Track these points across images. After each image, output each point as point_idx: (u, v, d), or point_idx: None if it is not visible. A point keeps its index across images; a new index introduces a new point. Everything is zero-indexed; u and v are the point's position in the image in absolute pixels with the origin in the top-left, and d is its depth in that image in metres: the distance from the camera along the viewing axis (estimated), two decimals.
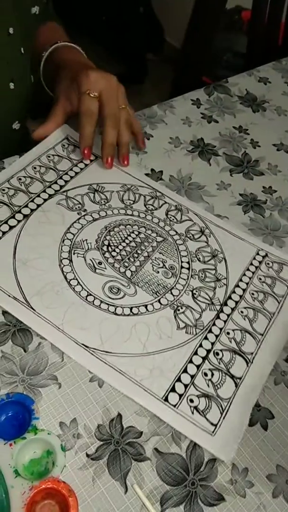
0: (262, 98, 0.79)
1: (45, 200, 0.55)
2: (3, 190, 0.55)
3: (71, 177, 0.58)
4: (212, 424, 0.41)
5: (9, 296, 0.46)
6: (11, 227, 0.52)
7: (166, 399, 0.42)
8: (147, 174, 0.62)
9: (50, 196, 0.56)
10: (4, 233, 0.51)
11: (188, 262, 0.53)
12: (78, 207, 0.55)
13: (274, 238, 0.59)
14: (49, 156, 0.60)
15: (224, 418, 0.42)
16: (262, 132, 0.72)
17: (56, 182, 0.57)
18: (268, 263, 0.55)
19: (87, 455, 0.38)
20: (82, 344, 0.44)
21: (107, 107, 0.56)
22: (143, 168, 0.63)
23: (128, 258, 0.51)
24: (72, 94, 0.58)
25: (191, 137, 0.69)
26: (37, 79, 0.66)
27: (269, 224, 0.60)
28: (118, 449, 0.39)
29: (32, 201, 0.55)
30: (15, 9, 0.58)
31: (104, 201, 0.57)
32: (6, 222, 0.52)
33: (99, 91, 0.55)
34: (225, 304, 0.50)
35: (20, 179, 0.57)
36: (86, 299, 0.47)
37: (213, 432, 0.41)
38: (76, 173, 0.59)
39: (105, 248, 0.52)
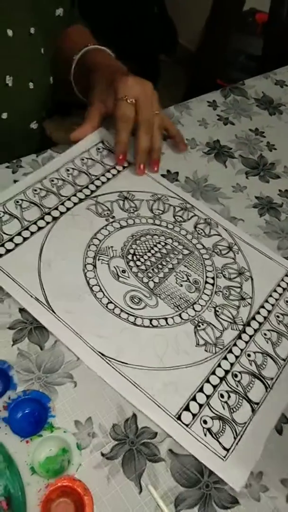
0: (279, 101, 0.79)
1: (75, 204, 0.55)
2: (35, 190, 0.55)
3: (103, 183, 0.58)
4: (224, 448, 0.40)
5: (31, 296, 0.46)
6: (39, 228, 0.52)
7: (179, 418, 0.41)
8: (163, 175, 0.62)
9: (81, 200, 0.56)
10: (32, 233, 0.51)
11: (213, 278, 0.52)
12: (107, 213, 0.55)
13: None
14: (83, 159, 0.60)
15: (237, 443, 0.40)
16: (278, 135, 0.72)
17: (87, 187, 0.57)
18: None
19: (102, 454, 0.39)
20: (99, 352, 0.44)
21: (142, 114, 0.56)
22: (159, 169, 0.62)
23: (152, 269, 0.51)
24: (107, 98, 0.58)
25: (207, 138, 0.69)
26: (56, 80, 0.66)
27: (285, 227, 0.60)
28: (133, 449, 0.39)
29: (62, 204, 0.55)
30: (36, 10, 0.59)
31: (133, 209, 0.57)
32: (35, 223, 0.52)
33: (135, 97, 0.56)
34: (248, 324, 0.49)
35: (52, 180, 0.57)
36: (106, 307, 0.47)
37: (224, 457, 0.40)
38: (108, 179, 0.59)
39: (130, 256, 0.52)
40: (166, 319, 0.48)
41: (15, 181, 0.56)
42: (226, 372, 0.45)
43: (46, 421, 0.38)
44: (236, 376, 0.45)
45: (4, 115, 0.60)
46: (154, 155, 0.59)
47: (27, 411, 0.39)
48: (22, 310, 0.45)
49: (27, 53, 0.60)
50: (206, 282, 0.52)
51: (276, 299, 0.52)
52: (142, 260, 0.52)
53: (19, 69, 0.59)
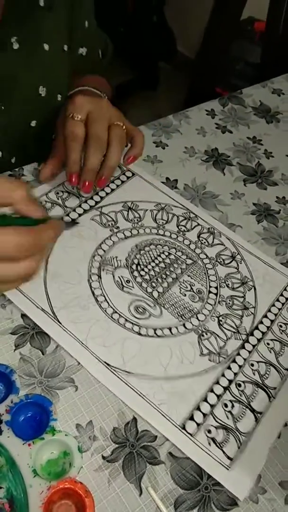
0: (276, 109, 0.80)
1: (80, 214, 0.56)
2: (41, 203, 0.56)
3: (107, 194, 0.59)
4: (228, 458, 0.40)
5: (37, 307, 0.46)
6: None
7: (183, 427, 0.41)
8: (162, 183, 0.63)
9: (85, 211, 0.57)
10: None
11: (216, 287, 0.53)
12: (111, 223, 0.56)
13: None
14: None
15: (241, 453, 0.41)
16: (276, 143, 0.73)
17: (92, 198, 0.58)
18: None
19: (103, 457, 0.39)
20: (104, 362, 0.44)
21: (91, 129, 0.52)
22: (158, 176, 0.64)
23: (156, 279, 0.52)
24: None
25: (206, 147, 0.70)
26: None
27: (282, 233, 0.61)
28: (133, 452, 0.40)
29: (67, 215, 0.56)
30: (70, 29, 0.62)
31: (137, 220, 0.57)
32: None
33: (86, 114, 0.53)
34: (251, 334, 0.50)
35: (57, 193, 0.58)
36: (111, 317, 0.48)
37: (229, 466, 0.40)
38: (112, 190, 0.60)
39: (134, 266, 0.52)
40: (170, 328, 0.48)
41: None
42: (230, 381, 0.45)
43: (48, 425, 0.39)
44: (239, 385, 0.45)
45: (33, 123, 0.62)
46: (103, 172, 0.54)
47: (29, 415, 0.40)
48: (24, 316, 0.46)
49: (59, 67, 0.62)
50: (210, 292, 0.52)
51: (279, 309, 0.52)
52: (146, 270, 0.52)
53: (51, 81, 0.61)
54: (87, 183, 0.52)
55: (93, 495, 0.36)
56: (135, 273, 0.52)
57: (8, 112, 0.59)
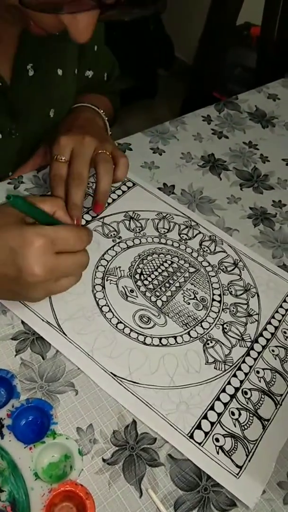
0: (271, 114, 0.81)
1: (82, 226, 0.57)
2: None
3: (109, 204, 0.60)
4: (237, 466, 0.41)
5: (42, 320, 0.47)
6: None
7: (191, 436, 0.42)
8: (159, 189, 0.64)
9: (87, 222, 0.57)
10: None
11: (219, 295, 0.53)
12: (114, 234, 0.57)
13: (284, 250, 0.60)
14: (88, 183, 0.61)
15: (249, 460, 0.41)
16: (272, 147, 0.74)
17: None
18: None
19: (103, 460, 0.40)
20: (111, 373, 0.44)
21: (72, 168, 0.54)
22: (155, 182, 0.65)
23: (160, 288, 0.52)
24: (48, 153, 0.61)
25: (202, 152, 0.71)
26: None
27: (278, 237, 0.61)
28: (133, 455, 0.41)
29: None
30: (81, 53, 0.65)
31: (139, 229, 0.58)
32: None
33: (70, 153, 0.54)
34: (256, 341, 0.50)
35: None
36: (116, 327, 0.48)
37: (237, 474, 0.40)
38: (114, 200, 0.61)
39: (137, 276, 0.53)
40: (175, 337, 0.49)
41: None
42: (236, 389, 0.46)
43: (48, 428, 0.40)
44: (246, 393, 0.46)
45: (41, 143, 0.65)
46: (98, 197, 0.55)
47: (30, 419, 0.40)
48: (24, 322, 0.47)
49: (70, 90, 0.65)
50: (213, 300, 0.53)
51: (283, 315, 0.53)
52: (149, 279, 0.53)
53: (60, 103, 0.64)
54: (76, 220, 0.51)
55: (93, 497, 0.37)
56: (139, 283, 0.52)
57: (22, 136, 0.61)
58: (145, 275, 0.53)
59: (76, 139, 0.55)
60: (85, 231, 0.46)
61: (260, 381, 0.47)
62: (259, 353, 0.49)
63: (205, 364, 0.47)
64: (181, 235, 0.59)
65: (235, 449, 0.42)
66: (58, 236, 0.42)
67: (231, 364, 0.48)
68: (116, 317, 0.49)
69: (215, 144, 0.73)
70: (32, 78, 0.59)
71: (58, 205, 0.47)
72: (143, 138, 0.71)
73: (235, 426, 0.43)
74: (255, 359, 0.48)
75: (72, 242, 0.44)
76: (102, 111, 0.65)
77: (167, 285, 0.53)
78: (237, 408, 0.44)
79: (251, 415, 0.44)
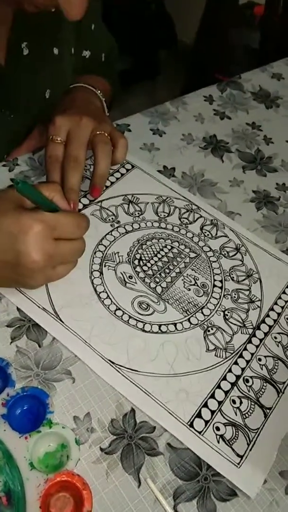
0: (276, 94, 0.78)
1: (79, 210, 0.55)
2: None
3: (107, 187, 0.58)
4: (238, 455, 0.40)
5: (38, 307, 0.46)
6: None
7: (191, 425, 0.41)
8: (159, 171, 0.62)
9: (85, 206, 0.56)
10: None
11: (221, 281, 0.52)
12: (112, 218, 0.55)
13: None
14: (86, 166, 0.59)
15: (251, 450, 0.40)
16: (275, 129, 0.72)
17: None
18: None
19: (101, 449, 0.39)
20: (109, 360, 0.43)
21: (67, 150, 0.52)
22: (155, 165, 0.63)
23: (160, 274, 0.51)
24: (44, 134, 0.57)
25: (204, 133, 0.69)
26: None
27: (282, 221, 0.60)
28: (132, 444, 0.40)
29: None
30: (77, 32, 0.63)
31: (138, 213, 0.56)
32: None
33: (66, 134, 0.52)
34: (258, 328, 0.49)
35: None
36: (114, 313, 0.47)
37: (238, 463, 0.39)
38: (112, 183, 0.59)
39: (136, 262, 0.51)
40: (175, 324, 0.47)
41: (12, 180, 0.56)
42: (237, 377, 0.45)
43: (44, 417, 0.39)
44: (247, 381, 0.44)
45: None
46: (95, 181, 0.53)
47: (25, 408, 0.39)
48: (20, 309, 0.46)
49: (65, 70, 0.62)
50: (214, 286, 0.51)
51: (286, 301, 0.51)
52: (148, 265, 0.51)
53: (56, 84, 0.61)
54: (72, 205, 0.49)
55: (91, 487, 0.36)
56: (138, 269, 0.51)
57: (17, 118, 0.59)
58: (144, 261, 0.52)
59: (72, 119, 0.53)
60: (84, 218, 0.45)
61: (262, 369, 0.46)
62: (261, 340, 0.48)
63: (206, 351, 0.46)
64: (182, 219, 0.57)
65: (236, 438, 0.41)
66: (57, 223, 0.42)
67: (232, 352, 0.46)
68: (114, 303, 0.48)
69: (217, 125, 0.71)
70: (27, 57, 0.56)
71: (55, 189, 0.46)
72: (142, 119, 0.69)
73: (236, 414, 0.42)
74: (257, 346, 0.47)
75: (71, 229, 0.43)
76: (99, 91, 0.62)
77: (167, 270, 0.51)
78: (238, 396, 0.43)
79: (252, 403, 0.43)
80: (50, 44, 0.59)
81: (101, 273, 0.50)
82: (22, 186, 0.39)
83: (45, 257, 0.41)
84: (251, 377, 0.45)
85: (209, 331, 0.47)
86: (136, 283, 0.50)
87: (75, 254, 0.46)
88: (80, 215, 0.45)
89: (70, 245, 0.44)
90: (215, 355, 0.46)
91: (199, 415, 0.42)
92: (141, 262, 0.51)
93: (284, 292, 0.52)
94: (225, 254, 0.54)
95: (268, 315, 0.50)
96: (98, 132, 0.53)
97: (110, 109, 0.71)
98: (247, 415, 0.42)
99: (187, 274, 0.51)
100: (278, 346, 0.48)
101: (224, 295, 0.51)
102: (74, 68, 0.65)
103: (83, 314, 0.46)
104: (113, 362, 0.43)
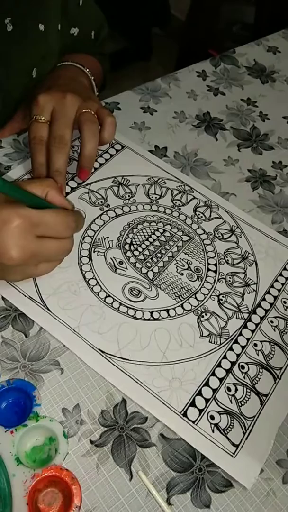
0: (272, 69, 0.75)
1: (67, 193, 0.52)
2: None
3: (95, 169, 0.55)
4: (233, 444, 0.38)
5: (24, 296, 0.44)
6: None
7: (185, 414, 0.39)
8: (150, 151, 0.59)
9: (72, 189, 0.53)
10: None
11: (215, 264, 0.50)
12: (101, 202, 0.53)
13: (284, 215, 0.56)
14: (73, 147, 0.56)
15: (246, 438, 0.39)
16: (272, 104, 0.69)
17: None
18: None
19: (91, 442, 0.37)
20: (99, 350, 0.42)
21: (52, 130, 0.49)
22: (146, 145, 0.60)
23: (151, 258, 0.48)
24: (28, 115, 0.54)
25: (197, 111, 0.66)
26: None
27: (279, 200, 0.57)
28: (123, 435, 0.38)
29: None
30: (63, 8, 0.59)
31: (129, 196, 0.54)
32: None
33: (50, 113, 0.50)
34: (254, 312, 0.47)
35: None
36: (104, 301, 0.45)
37: (234, 453, 0.38)
38: (101, 164, 0.56)
39: (127, 246, 0.49)
40: (167, 310, 0.45)
41: None
42: (232, 363, 0.43)
43: (31, 411, 0.37)
44: (243, 367, 0.43)
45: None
46: (82, 163, 0.51)
47: (11, 401, 0.38)
48: (5, 298, 0.44)
49: (53, 48, 0.59)
50: (208, 269, 0.49)
51: (283, 284, 0.49)
52: (140, 249, 0.49)
53: (43, 62, 0.58)
54: (58, 185, 0.47)
55: (80, 482, 0.35)
56: (128, 254, 0.49)
57: (1, 98, 0.56)
58: (135, 245, 0.50)
59: (56, 97, 0.50)
60: (73, 217, 0.42)
61: (258, 354, 0.44)
62: (257, 324, 0.46)
63: (200, 337, 0.44)
64: (174, 201, 0.55)
65: (231, 426, 0.39)
66: (41, 220, 0.39)
67: (227, 337, 0.45)
68: (104, 290, 0.46)
69: (211, 102, 0.68)
70: (11, 33, 0.53)
71: (49, 185, 0.42)
72: (132, 96, 0.66)
73: (231, 402, 0.41)
74: (252, 331, 0.45)
75: (57, 228, 0.40)
76: (87, 69, 0.59)
77: (159, 255, 0.49)
78: (233, 384, 0.42)
79: (248, 390, 0.42)
80: (35, 20, 0.56)
81: (90, 259, 0.48)
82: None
83: (24, 255, 0.38)
84: (246, 363, 0.43)
85: (203, 316, 0.46)
86: (126, 268, 0.48)
87: (60, 253, 0.43)
88: (70, 214, 0.42)
89: (56, 245, 0.41)
90: (209, 341, 0.44)
91: (193, 404, 0.40)
92: (131, 247, 0.49)
93: (281, 275, 0.50)
94: (219, 236, 0.52)
95: (264, 299, 0.48)
96: (84, 111, 0.50)
97: (103, 89, 0.68)
98: (242, 402, 0.41)
99: (180, 258, 0.49)
100: (274, 330, 0.46)
101: (218, 279, 0.49)
102: (63, 45, 0.62)
103: (72, 302, 0.44)
104: (103, 351, 0.42)
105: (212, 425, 0.39)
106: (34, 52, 0.57)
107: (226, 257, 0.51)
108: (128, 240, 0.50)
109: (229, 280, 0.49)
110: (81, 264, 0.47)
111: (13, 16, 0.53)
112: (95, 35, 0.69)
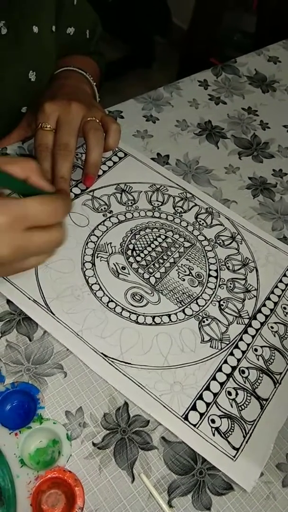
0: (272, 78, 0.76)
1: (57, 193, 0.53)
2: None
3: (99, 176, 0.56)
4: (234, 448, 0.39)
5: (29, 299, 0.44)
6: None
7: (186, 418, 0.40)
8: (153, 159, 0.60)
9: (76, 196, 0.54)
10: None
11: (216, 270, 0.51)
12: (104, 208, 0.53)
13: (285, 222, 0.57)
14: (77, 154, 0.57)
15: (247, 442, 0.39)
16: (272, 113, 0.70)
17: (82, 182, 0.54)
18: None
19: (94, 444, 0.38)
20: (101, 353, 0.42)
21: (57, 138, 0.50)
22: (148, 152, 0.61)
23: (153, 264, 0.49)
24: (33, 122, 0.55)
25: (199, 119, 0.67)
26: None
27: (279, 208, 0.58)
28: (125, 438, 0.39)
29: None
30: (57, 8, 0.60)
31: (131, 202, 0.55)
32: None
33: (56, 121, 0.51)
34: (254, 317, 0.47)
35: None
36: (107, 305, 0.46)
37: (234, 456, 0.38)
38: (104, 172, 0.57)
39: (129, 252, 0.50)
40: (169, 315, 0.46)
41: None
42: (233, 368, 0.44)
43: (35, 413, 0.38)
44: (243, 372, 0.44)
45: (24, 109, 0.60)
46: (88, 170, 0.52)
47: (15, 403, 0.38)
48: (10, 302, 0.44)
49: (48, 50, 0.59)
50: (209, 275, 0.50)
51: (282, 290, 0.50)
52: (142, 255, 0.50)
53: (40, 65, 0.58)
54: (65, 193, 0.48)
55: (83, 484, 0.35)
56: (131, 259, 0.49)
57: (1, 102, 0.56)
58: (137, 251, 0.50)
59: (62, 105, 0.51)
60: (60, 201, 0.37)
61: (258, 359, 0.45)
62: (257, 330, 0.47)
63: (201, 342, 0.45)
64: (176, 208, 0.55)
65: (231, 430, 0.40)
66: (26, 211, 0.36)
67: (227, 342, 0.45)
68: (107, 295, 0.46)
69: (212, 111, 0.69)
70: (5, 36, 0.54)
71: (31, 168, 0.38)
72: (135, 105, 0.67)
73: (231, 406, 0.41)
74: (253, 337, 0.46)
75: (44, 216, 0.37)
76: (90, 75, 0.60)
77: (161, 261, 0.50)
78: (234, 388, 0.42)
79: (248, 394, 0.42)
80: (29, 22, 0.56)
81: (93, 264, 0.48)
82: None
83: (14, 252, 0.36)
84: (247, 368, 0.44)
85: (204, 321, 0.46)
86: (129, 274, 0.48)
87: (51, 245, 0.39)
88: (55, 199, 0.38)
89: (45, 237, 0.38)
90: (210, 346, 0.45)
91: (194, 407, 0.41)
92: (134, 253, 0.50)
93: (280, 281, 0.51)
94: (220, 243, 0.53)
95: (264, 305, 0.49)
96: (89, 119, 0.51)
97: (100, 89, 0.69)
98: (243, 407, 0.42)
99: (182, 264, 0.50)
100: (274, 336, 0.47)
101: (219, 285, 0.50)
102: (61, 46, 0.63)
103: (75, 306, 0.45)
104: (106, 355, 0.42)
105: (213, 429, 0.40)
106: (30, 55, 0.57)
107: (227, 263, 0.52)
108: (131, 246, 0.51)
109: (230, 286, 0.50)
110: (84, 269, 0.48)
111: (7, 19, 0.53)
112: (90, 33, 0.70)
